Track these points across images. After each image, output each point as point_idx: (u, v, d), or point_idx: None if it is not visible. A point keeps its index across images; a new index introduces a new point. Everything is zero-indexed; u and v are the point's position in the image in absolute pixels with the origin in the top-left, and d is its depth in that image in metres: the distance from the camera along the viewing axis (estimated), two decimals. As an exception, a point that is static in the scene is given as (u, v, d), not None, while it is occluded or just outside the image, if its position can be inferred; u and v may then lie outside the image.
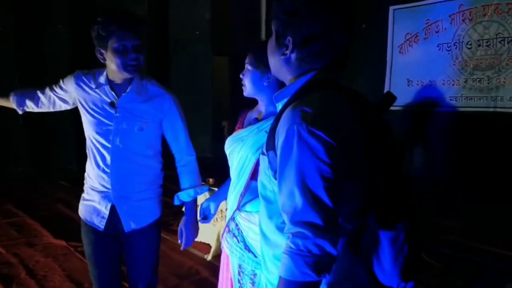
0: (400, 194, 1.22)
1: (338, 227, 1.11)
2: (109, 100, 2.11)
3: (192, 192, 2.25)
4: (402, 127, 6.92)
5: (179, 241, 2.29)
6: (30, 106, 2.34)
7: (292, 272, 1.07)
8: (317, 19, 1.19)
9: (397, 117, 6.88)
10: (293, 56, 1.24)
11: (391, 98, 1.28)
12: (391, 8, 6.86)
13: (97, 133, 2.13)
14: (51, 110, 2.34)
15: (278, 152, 1.14)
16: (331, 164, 1.08)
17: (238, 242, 1.94)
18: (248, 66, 1.93)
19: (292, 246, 1.08)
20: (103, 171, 2.15)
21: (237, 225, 1.96)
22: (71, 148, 7.59)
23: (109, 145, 2.12)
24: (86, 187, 2.28)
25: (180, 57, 7.89)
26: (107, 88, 2.12)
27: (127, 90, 2.11)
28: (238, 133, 1.99)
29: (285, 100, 1.25)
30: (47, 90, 2.31)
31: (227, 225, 2.02)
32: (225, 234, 2.05)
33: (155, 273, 2.32)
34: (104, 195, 2.18)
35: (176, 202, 2.28)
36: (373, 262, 1.17)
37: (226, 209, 2.09)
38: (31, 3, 8.12)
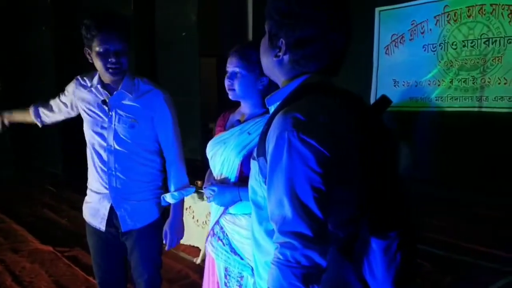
0: (396, 197, 1.20)
1: (327, 238, 1.09)
2: (103, 98, 2.16)
3: (176, 194, 2.25)
4: (389, 127, 6.96)
5: (164, 242, 2.30)
6: (46, 115, 2.43)
7: (280, 284, 1.05)
8: (312, 21, 1.14)
9: (383, 117, 6.91)
10: (286, 58, 1.20)
11: (386, 101, 1.26)
12: (377, 9, 6.91)
13: (94, 132, 2.18)
14: (62, 118, 2.42)
15: (268, 159, 1.11)
16: (322, 173, 1.05)
17: (224, 245, 1.94)
18: (239, 70, 1.88)
19: (280, 256, 1.05)
20: (101, 170, 2.19)
21: (222, 228, 1.95)
22: (56, 151, 7.50)
23: (104, 144, 2.16)
24: (88, 189, 2.31)
25: (166, 58, 7.85)
26: (99, 87, 2.16)
27: (119, 88, 2.14)
28: (220, 136, 1.97)
29: (277, 103, 1.21)
30: (56, 98, 2.38)
31: (212, 229, 2.01)
32: (209, 238, 2.03)
33: (157, 273, 2.34)
34: (103, 196, 2.21)
35: (163, 203, 2.29)
36: (365, 270, 1.15)
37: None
38: (14, 4, 8.02)
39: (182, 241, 4.19)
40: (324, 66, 1.20)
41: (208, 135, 2.10)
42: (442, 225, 4.85)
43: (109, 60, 2.04)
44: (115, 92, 2.15)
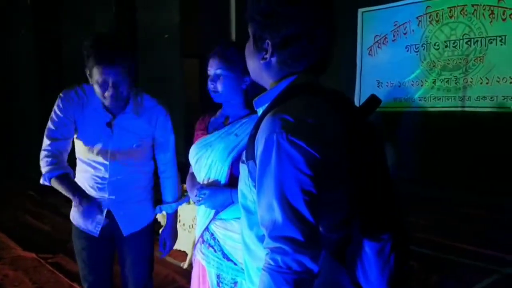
0: (387, 198, 1.19)
1: (319, 242, 1.07)
2: (106, 120, 2.07)
3: (174, 205, 2.31)
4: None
5: (159, 249, 2.30)
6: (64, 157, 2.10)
7: None
8: (295, 18, 1.13)
9: (372, 117, 6.98)
10: (274, 59, 1.17)
11: (375, 101, 1.24)
12: (360, 10, 6.96)
13: (93, 152, 2.09)
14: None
15: (257, 162, 1.08)
16: (312, 176, 1.02)
17: (215, 251, 1.89)
18: (221, 72, 1.84)
19: (271, 262, 1.02)
20: (100, 183, 2.13)
21: (212, 234, 1.91)
22: (37, 157, 7.36)
23: (106, 162, 2.10)
24: None
25: (149, 59, 7.78)
26: (100, 108, 2.06)
27: (125, 111, 2.08)
28: (204, 139, 1.92)
29: (266, 105, 1.19)
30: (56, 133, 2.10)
31: (201, 236, 1.96)
32: (198, 245, 1.98)
33: (151, 277, 2.34)
34: (100, 202, 2.13)
35: (158, 211, 2.29)
36: (359, 273, 1.13)
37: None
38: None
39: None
40: (312, 64, 1.18)
41: (192, 137, 2.06)
42: (426, 224, 4.89)
43: (107, 90, 1.94)
44: (120, 114, 2.08)
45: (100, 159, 2.11)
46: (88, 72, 1.99)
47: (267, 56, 1.18)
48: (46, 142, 2.08)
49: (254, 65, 1.25)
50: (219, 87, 1.86)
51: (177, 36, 7.31)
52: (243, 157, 1.20)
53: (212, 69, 1.87)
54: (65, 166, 2.08)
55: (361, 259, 1.12)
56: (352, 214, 1.12)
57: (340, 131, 1.11)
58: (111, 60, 1.90)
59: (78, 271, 2.31)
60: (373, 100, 1.24)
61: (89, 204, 1.96)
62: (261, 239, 1.16)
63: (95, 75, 1.94)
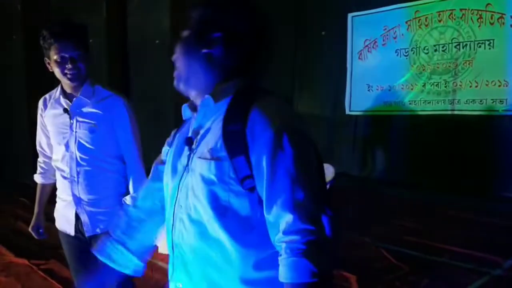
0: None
1: None
2: (64, 107, 2.19)
3: (136, 196, 2.26)
4: (363, 131, 7.05)
5: None
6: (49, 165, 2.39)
7: None
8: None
9: (358, 121, 6.99)
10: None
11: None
12: (350, 15, 7.00)
13: (57, 142, 2.22)
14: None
15: (263, 153, 1.08)
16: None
17: None
18: None
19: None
20: (65, 178, 2.23)
21: None
22: (27, 162, 7.31)
23: (67, 152, 2.19)
24: (57, 197, 2.35)
25: (140, 65, 7.78)
26: (61, 97, 2.20)
27: (79, 95, 2.18)
28: None
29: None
30: (41, 136, 2.37)
31: None
32: None
33: (127, 279, 2.28)
34: (69, 202, 2.25)
35: (125, 207, 2.28)
36: None
37: None
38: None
39: (160, 250, 4.15)
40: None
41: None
42: (417, 227, 4.91)
43: (66, 66, 2.07)
44: (74, 99, 2.18)
45: (63, 149, 2.20)
46: (48, 62, 2.12)
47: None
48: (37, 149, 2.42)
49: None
50: None
51: (167, 41, 7.31)
52: (218, 154, 1.14)
53: None
54: (48, 175, 2.40)
55: None
56: None
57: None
58: (65, 35, 2.05)
59: (70, 277, 2.32)
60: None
61: (33, 226, 2.45)
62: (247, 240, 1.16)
63: (53, 56, 2.07)
